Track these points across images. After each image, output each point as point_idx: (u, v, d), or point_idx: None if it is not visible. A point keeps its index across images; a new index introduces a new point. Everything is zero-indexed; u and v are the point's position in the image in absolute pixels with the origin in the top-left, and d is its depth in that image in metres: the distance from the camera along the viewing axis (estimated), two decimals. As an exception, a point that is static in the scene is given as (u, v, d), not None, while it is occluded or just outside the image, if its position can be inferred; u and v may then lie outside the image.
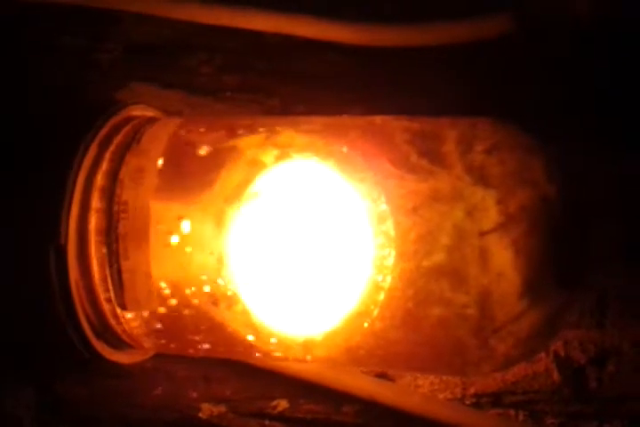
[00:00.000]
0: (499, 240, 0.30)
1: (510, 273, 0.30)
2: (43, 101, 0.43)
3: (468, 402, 0.48)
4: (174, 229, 0.35)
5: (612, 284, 0.46)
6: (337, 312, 0.35)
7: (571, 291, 0.32)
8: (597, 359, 0.47)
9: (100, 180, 0.34)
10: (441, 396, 0.48)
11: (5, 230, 0.33)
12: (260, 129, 0.35)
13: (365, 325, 0.34)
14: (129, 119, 0.37)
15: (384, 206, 0.33)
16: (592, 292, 0.45)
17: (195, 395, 0.49)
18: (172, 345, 0.37)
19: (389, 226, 0.33)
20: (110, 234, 0.34)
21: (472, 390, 0.48)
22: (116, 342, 0.37)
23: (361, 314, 0.34)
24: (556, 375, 0.47)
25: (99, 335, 0.36)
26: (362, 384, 0.46)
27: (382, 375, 0.48)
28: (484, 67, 0.43)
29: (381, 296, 0.33)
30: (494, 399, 0.48)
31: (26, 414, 0.47)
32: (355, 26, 0.45)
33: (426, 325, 0.31)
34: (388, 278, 0.33)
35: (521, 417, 0.48)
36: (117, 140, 0.36)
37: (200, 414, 0.49)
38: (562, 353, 0.47)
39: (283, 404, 0.49)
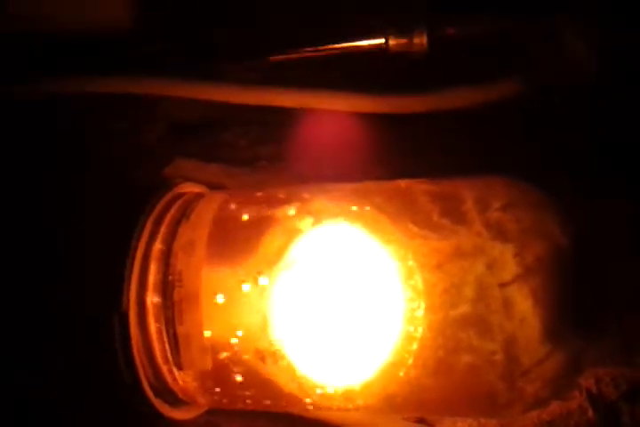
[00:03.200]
0: (518, 290, 0.33)
1: (531, 320, 0.33)
2: (100, 182, 0.48)
3: (507, 444, 0.50)
4: (223, 292, 0.38)
5: (636, 320, 0.48)
6: (374, 363, 0.38)
7: (590, 334, 0.34)
8: (629, 394, 0.49)
9: (155, 252, 0.38)
10: (481, 439, 0.50)
11: (70, 297, 0.37)
12: (295, 198, 0.39)
13: (401, 374, 0.37)
14: (178, 196, 0.41)
15: (411, 263, 0.36)
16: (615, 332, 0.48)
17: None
18: (225, 400, 0.40)
19: (417, 280, 0.36)
20: (166, 301, 0.38)
21: (511, 432, 0.50)
22: (173, 400, 0.40)
23: (396, 364, 0.37)
24: (590, 413, 0.49)
25: (158, 394, 0.39)
26: (404, 431, 0.49)
27: (421, 421, 0.50)
28: (497, 127, 0.47)
29: (414, 346, 0.36)
30: (533, 440, 0.50)
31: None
32: (373, 97, 0.49)
33: (457, 371, 0.34)
34: (420, 329, 0.36)
35: (561, 458, 0.50)
36: (170, 216, 0.40)
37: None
38: (594, 390, 0.49)
39: (327, 457, 0.51)
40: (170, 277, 0.38)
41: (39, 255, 0.38)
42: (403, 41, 0.49)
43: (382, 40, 0.50)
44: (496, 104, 0.47)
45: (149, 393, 0.39)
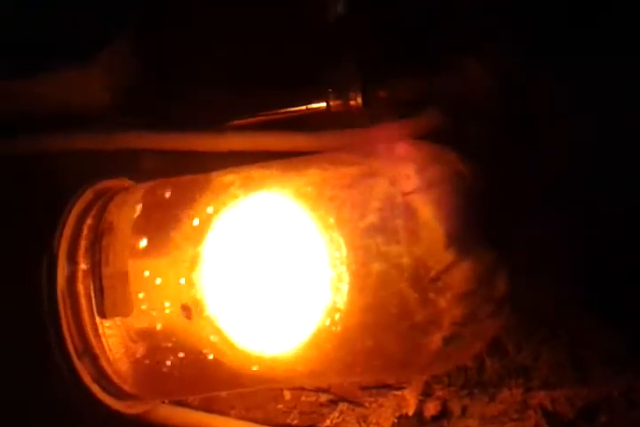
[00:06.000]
0: (420, 198, 0.35)
1: (434, 223, 0.34)
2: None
3: (462, 471, 0.46)
4: (150, 238, 0.39)
5: (585, 340, 0.47)
6: (303, 326, 0.38)
7: (494, 248, 0.35)
8: (586, 412, 0.46)
9: (92, 215, 0.41)
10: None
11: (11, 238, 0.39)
12: (223, 171, 0.42)
13: (327, 323, 0.37)
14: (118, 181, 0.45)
15: (331, 220, 0.38)
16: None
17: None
18: (147, 361, 0.39)
19: (337, 237, 0.37)
20: (95, 247, 0.39)
21: (462, 457, 0.46)
22: (97, 369, 0.39)
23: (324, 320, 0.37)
24: (547, 431, 0.45)
25: (80, 356, 0.38)
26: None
27: None
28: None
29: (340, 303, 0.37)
30: (489, 467, 0.46)
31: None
32: (309, 135, 0.54)
33: (370, 284, 0.34)
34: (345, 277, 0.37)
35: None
36: (113, 191, 0.43)
37: None
38: (550, 408, 0.46)
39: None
40: (101, 226, 0.40)
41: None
42: (341, 103, 0.56)
43: (324, 104, 0.57)
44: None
45: (72, 352, 0.38)
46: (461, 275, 0.34)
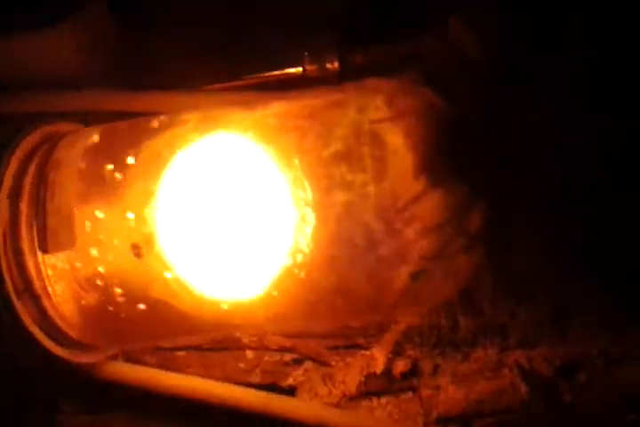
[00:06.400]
0: (389, 127, 0.32)
1: (402, 151, 0.32)
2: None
3: (433, 431, 0.43)
4: (105, 182, 0.37)
5: (564, 298, 0.45)
6: (266, 269, 0.35)
7: (466, 181, 0.33)
8: (566, 371, 0.43)
9: (39, 153, 0.38)
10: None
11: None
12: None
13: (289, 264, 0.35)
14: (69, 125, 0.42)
15: (296, 161, 0.35)
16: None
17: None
18: (94, 304, 0.36)
19: (301, 177, 0.35)
20: (40, 184, 0.36)
21: (434, 415, 0.43)
22: (38, 310, 0.36)
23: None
24: (523, 389, 0.43)
25: (19, 294, 0.36)
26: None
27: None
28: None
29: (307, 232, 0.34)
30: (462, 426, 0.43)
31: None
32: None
33: (334, 215, 0.32)
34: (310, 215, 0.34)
35: (498, 449, 0.42)
36: (62, 132, 0.40)
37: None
38: (527, 366, 0.44)
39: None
40: (48, 164, 0.37)
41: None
42: (318, 67, 0.54)
43: (300, 68, 0.55)
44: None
45: (10, 289, 0.35)
46: (431, 205, 0.32)
